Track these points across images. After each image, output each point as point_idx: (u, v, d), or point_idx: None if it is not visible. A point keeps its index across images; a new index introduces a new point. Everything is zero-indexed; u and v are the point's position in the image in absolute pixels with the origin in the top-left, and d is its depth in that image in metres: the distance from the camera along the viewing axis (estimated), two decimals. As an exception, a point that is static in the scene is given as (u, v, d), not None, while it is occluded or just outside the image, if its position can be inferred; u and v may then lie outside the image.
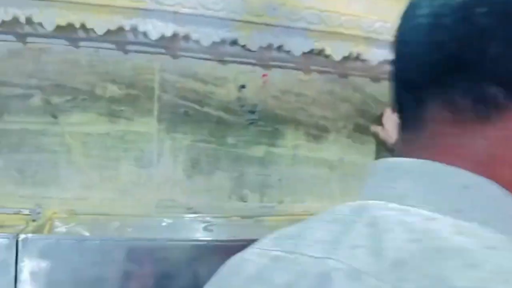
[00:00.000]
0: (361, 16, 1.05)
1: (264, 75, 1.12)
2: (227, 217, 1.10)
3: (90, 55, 1.04)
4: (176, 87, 1.08)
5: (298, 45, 1.02)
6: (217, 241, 0.95)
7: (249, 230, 1.09)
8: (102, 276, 0.77)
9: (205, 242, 0.96)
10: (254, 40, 1.00)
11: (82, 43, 1.02)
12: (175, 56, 1.07)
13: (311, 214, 1.04)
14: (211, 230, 1.06)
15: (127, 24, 0.95)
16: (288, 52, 1.04)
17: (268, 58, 1.07)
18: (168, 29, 0.96)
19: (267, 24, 1.00)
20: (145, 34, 0.98)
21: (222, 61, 1.09)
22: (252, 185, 1.13)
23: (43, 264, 0.74)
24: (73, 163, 1.04)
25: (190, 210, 1.09)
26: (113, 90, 1.06)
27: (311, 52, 1.04)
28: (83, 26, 0.97)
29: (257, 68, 1.12)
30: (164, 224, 1.05)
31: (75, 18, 0.96)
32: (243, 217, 1.11)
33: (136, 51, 1.05)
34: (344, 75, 1.17)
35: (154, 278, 0.80)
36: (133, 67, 1.06)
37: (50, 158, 1.02)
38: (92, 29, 0.97)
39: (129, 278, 0.78)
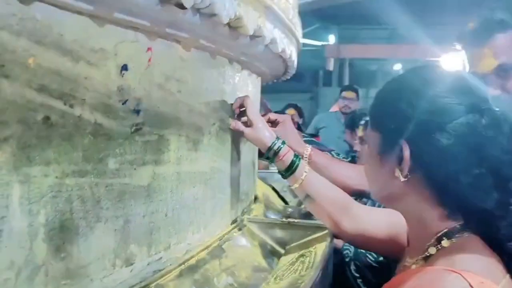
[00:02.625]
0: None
1: (149, 49, 0.74)
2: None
3: None
4: (29, 65, 0.55)
5: (225, 9, 0.72)
6: None
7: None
8: None
9: None
10: None
11: None
12: (26, 0, 0.53)
13: (195, 257, 0.87)
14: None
15: None
16: (213, 16, 0.73)
17: (168, 21, 0.71)
18: None
19: None
20: None
21: (100, 19, 0.64)
22: (138, 235, 0.74)
23: None
24: None
25: (60, 312, 0.61)
26: None
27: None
28: None
29: (142, 37, 0.73)
30: None
31: None
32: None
33: None
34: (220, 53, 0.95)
35: None
36: None
37: None
38: None
39: None
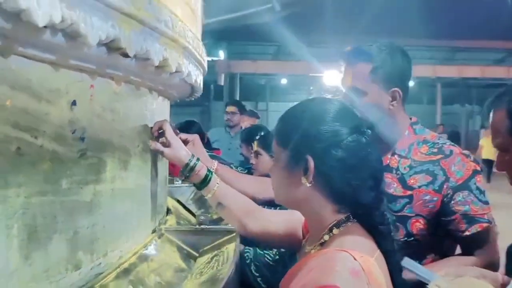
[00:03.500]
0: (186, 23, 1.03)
1: (91, 86, 0.87)
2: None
3: None
4: (6, 106, 0.66)
5: (156, 54, 0.88)
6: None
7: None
8: None
9: None
10: (132, 42, 0.77)
11: None
12: (4, 53, 0.64)
13: (127, 261, 1.06)
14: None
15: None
16: (147, 59, 0.87)
17: (110, 64, 0.85)
18: (56, 11, 0.59)
19: (142, 22, 0.79)
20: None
21: (56, 64, 0.76)
22: (84, 244, 0.86)
23: None
24: None
25: (28, 310, 0.72)
26: None
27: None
28: None
29: (86, 77, 0.85)
30: None
31: None
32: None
33: None
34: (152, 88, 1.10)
35: None
36: None
37: None
38: None
39: None
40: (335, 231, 0.93)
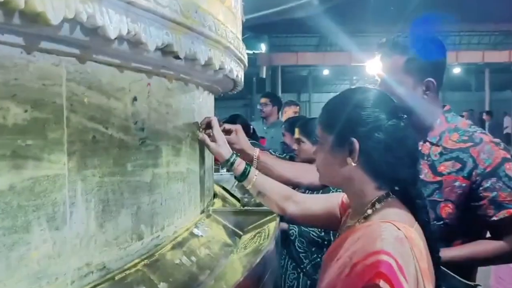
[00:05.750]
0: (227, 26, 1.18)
1: (148, 84, 1.03)
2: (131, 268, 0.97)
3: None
4: (84, 103, 0.82)
5: (202, 54, 1.02)
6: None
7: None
8: None
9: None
10: (182, 45, 0.92)
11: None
12: (82, 59, 0.80)
13: (181, 235, 1.20)
14: None
15: (81, 10, 0.65)
16: (195, 60, 1.02)
17: (164, 65, 1.00)
18: (123, 25, 0.74)
19: (190, 28, 0.94)
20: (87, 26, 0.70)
21: (121, 67, 0.91)
22: (145, 218, 1.02)
23: None
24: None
25: (103, 270, 0.89)
26: (17, 113, 0.68)
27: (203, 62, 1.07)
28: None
29: (144, 76, 1.01)
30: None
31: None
32: (144, 259, 1.01)
33: (42, 50, 0.71)
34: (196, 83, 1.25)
35: None
36: (40, 74, 0.72)
37: None
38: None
39: None
40: (377, 205, 1.04)
